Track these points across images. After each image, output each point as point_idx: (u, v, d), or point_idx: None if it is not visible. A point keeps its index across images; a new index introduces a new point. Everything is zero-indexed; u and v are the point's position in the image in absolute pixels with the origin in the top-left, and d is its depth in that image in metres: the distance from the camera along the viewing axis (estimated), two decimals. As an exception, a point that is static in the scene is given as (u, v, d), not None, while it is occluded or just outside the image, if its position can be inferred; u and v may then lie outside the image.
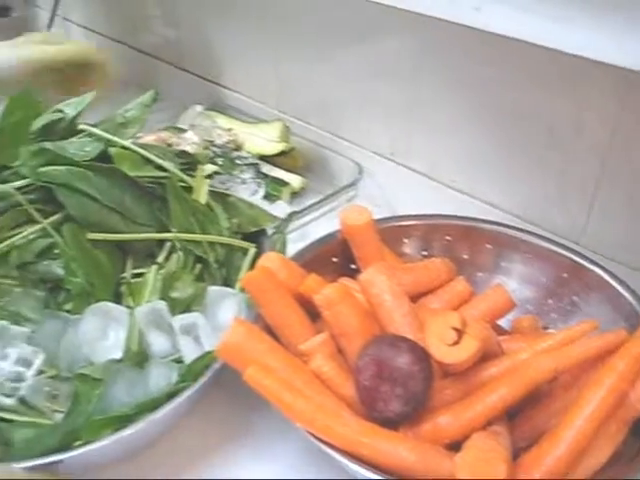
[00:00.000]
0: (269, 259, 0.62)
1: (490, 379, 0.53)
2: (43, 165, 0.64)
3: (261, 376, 0.51)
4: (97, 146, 0.68)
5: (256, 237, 0.71)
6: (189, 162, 0.72)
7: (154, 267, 0.63)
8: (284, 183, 0.98)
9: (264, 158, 1.00)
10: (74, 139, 0.69)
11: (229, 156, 0.99)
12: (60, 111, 0.69)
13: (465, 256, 0.72)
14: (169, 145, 0.96)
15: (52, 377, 0.58)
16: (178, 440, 0.59)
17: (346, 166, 0.98)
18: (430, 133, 0.89)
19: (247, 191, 0.95)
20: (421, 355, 0.51)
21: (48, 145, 0.66)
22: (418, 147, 0.91)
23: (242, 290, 0.63)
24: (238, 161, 0.98)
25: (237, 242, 0.66)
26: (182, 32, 1.20)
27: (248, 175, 0.98)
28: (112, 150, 0.66)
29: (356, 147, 0.98)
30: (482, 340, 0.51)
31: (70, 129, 0.69)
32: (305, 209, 0.89)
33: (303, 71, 1.01)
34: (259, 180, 0.97)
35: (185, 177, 0.67)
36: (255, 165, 0.99)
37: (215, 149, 1.01)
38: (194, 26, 1.16)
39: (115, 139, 0.68)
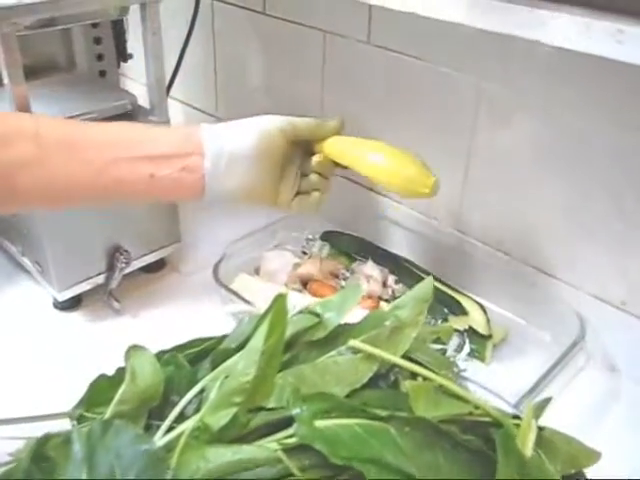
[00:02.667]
0: None
1: None
2: (317, 413, 0.45)
3: None
4: (369, 367, 0.49)
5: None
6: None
7: None
8: (483, 335, 0.79)
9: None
10: (335, 354, 0.50)
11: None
12: (316, 314, 0.50)
13: None
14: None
15: None
16: None
17: (556, 311, 0.80)
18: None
19: (450, 347, 0.77)
20: None
21: (308, 372, 0.47)
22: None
23: None
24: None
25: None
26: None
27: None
28: (407, 385, 0.47)
29: (569, 288, 0.81)
30: None
31: (329, 339, 0.50)
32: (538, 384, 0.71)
33: (497, 188, 0.83)
34: (460, 330, 0.79)
35: (500, 416, 0.48)
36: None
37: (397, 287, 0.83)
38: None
39: (392, 358, 0.49)
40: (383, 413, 0.45)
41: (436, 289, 0.80)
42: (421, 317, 0.52)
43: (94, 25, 0.89)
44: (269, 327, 0.45)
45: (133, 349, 0.51)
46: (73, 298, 0.83)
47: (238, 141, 0.59)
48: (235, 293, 0.79)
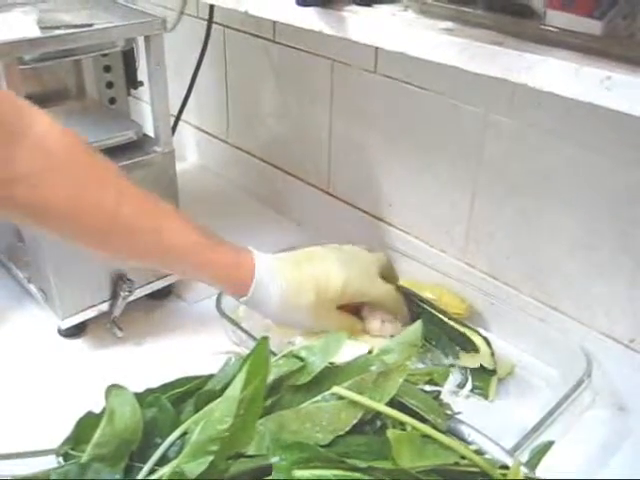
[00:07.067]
0: None
1: None
2: (296, 462, 0.44)
3: None
4: (353, 414, 0.48)
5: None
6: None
7: None
8: (487, 370, 0.77)
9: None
10: (320, 399, 0.49)
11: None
12: (299, 358, 0.49)
13: None
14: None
15: None
16: None
17: (563, 347, 0.78)
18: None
19: (452, 382, 0.75)
20: None
21: (290, 418, 0.46)
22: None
23: None
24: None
25: None
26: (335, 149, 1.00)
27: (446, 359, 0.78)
28: (390, 435, 0.46)
29: (577, 324, 0.79)
30: None
31: (313, 383, 0.49)
32: (539, 425, 0.68)
33: (504, 222, 0.81)
34: (461, 365, 0.77)
35: (487, 467, 0.47)
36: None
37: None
38: (357, 148, 0.97)
39: (377, 406, 0.48)
40: (362, 464, 0.44)
41: (445, 324, 0.79)
42: (409, 362, 0.50)
43: (104, 54, 0.89)
44: (247, 375, 0.45)
45: (112, 389, 0.51)
46: (78, 325, 0.83)
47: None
48: (236, 323, 0.78)
